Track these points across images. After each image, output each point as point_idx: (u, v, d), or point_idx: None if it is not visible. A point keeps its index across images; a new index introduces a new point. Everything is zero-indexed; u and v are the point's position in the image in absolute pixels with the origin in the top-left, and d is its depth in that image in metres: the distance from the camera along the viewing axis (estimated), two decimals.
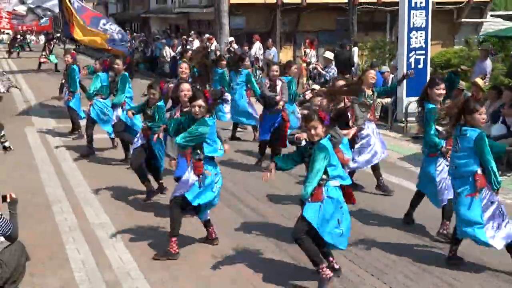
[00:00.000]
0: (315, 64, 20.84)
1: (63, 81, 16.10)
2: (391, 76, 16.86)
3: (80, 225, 9.16)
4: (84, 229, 9.02)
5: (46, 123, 17.66)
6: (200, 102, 7.45)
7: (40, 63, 31.96)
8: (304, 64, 21.44)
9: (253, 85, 14.26)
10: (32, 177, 11.78)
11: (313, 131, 6.69)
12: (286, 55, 28.98)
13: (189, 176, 7.69)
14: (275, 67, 12.55)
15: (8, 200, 6.78)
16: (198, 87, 9.12)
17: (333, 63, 19.69)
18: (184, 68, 11.42)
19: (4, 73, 6.77)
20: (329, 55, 20.00)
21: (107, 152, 13.86)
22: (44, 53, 31.46)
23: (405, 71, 14.26)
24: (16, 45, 43.09)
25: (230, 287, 7.11)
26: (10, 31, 48.58)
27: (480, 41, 20.55)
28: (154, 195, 10.23)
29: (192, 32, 28.88)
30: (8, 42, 45.18)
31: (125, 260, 7.84)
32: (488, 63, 16.87)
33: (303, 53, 22.75)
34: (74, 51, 16.91)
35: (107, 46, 19.52)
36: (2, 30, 51.39)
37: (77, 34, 19.93)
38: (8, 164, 12.31)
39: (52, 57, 30.83)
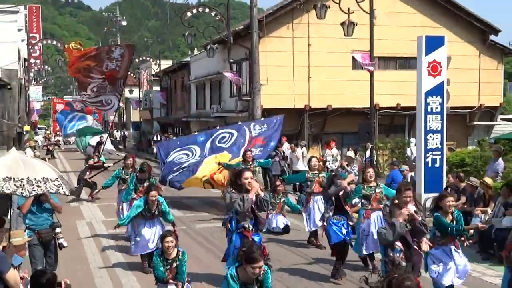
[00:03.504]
0: (341, 162, 21.05)
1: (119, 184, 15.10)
2: (410, 174, 16.91)
3: None
4: None
5: (95, 216, 17.96)
6: None
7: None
8: (321, 162, 21.77)
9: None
10: (82, 268, 11.92)
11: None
12: (313, 154, 29.16)
13: None
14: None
15: (63, 286, 6.88)
16: None
17: (355, 161, 20.04)
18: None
19: (62, 175, 6.97)
20: (352, 154, 20.45)
21: None
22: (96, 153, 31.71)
23: (422, 169, 14.41)
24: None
25: None
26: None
27: (492, 143, 20.58)
28: None
29: None
30: (46, 143, 45.87)
31: None
32: (501, 163, 16.87)
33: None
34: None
35: None
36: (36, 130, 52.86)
37: None
38: (60, 254, 12.46)
39: (102, 158, 31.34)
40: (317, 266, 11.84)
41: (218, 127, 21.21)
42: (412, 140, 24.70)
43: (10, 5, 32.99)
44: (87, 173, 21.98)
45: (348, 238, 10.76)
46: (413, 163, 17.65)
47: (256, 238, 8.89)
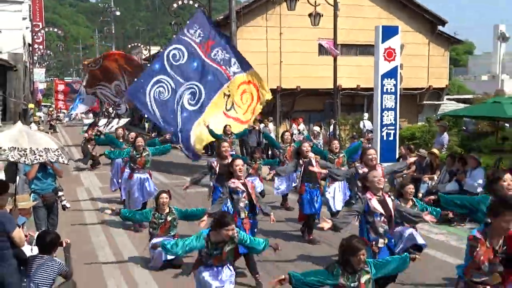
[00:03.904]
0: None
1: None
2: (368, 145, 16.96)
3: (119, 266, 9.20)
4: (122, 268, 9.05)
5: (93, 183, 17.86)
6: None
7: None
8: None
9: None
10: (81, 228, 11.88)
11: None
12: (283, 129, 29.14)
13: None
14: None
15: (64, 245, 6.87)
16: None
17: (321, 135, 20.14)
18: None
19: (63, 147, 6.90)
20: (317, 129, 20.56)
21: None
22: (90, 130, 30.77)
23: (378, 142, 14.48)
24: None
25: None
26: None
27: (438, 119, 20.71)
28: None
29: None
30: (49, 118, 45.21)
31: (149, 282, 7.89)
32: (446, 136, 17.02)
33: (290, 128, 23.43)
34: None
35: None
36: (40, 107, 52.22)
37: None
38: (62, 217, 12.41)
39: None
40: (286, 225, 11.91)
41: (161, 50, 19.50)
42: (365, 115, 24.90)
43: None
44: (89, 146, 21.46)
45: (318, 212, 10.56)
46: (366, 134, 17.79)
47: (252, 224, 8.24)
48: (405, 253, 6.07)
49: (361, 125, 23.94)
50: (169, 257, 8.74)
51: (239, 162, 8.23)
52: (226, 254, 6.36)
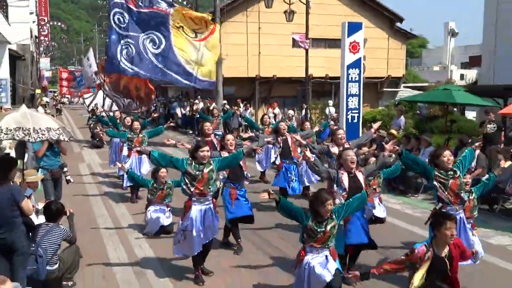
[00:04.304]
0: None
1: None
2: (335, 127, 16.94)
3: (117, 232, 9.15)
4: (120, 234, 9.01)
5: (93, 159, 17.69)
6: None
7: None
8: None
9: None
10: (83, 199, 11.78)
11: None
12: (262, 112, 29.08)
13: None
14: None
15: (68, 214, 6.82)
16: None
17: (294, 118, 20.13)
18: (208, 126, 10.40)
19: (64, 127, 6.82)
20: (292, 112, 20.54)
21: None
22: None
23: (344, 124, 14.48)
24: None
25: None
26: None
27: (396, 104, 20.80)
28: None
29: (199, 97, 29.02)
30: (54, 103, 44.50)
31: (147, 253, 7.86)
32: (402, 119, 17.12)
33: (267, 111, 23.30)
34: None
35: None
36: (46, 93, 51.43)
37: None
38: (66, 190, 12.27)
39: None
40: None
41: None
42: (330, 102, 24.96)
43: None
44: (98, 128, 20.84)
45: (292, 188, 10.45)
46: (332, 118, 17.84)
47: (241, 193, 8.08)
48: (363, 190, 6.11)
49: (327, 111, 24.06)
50: (165, 222, 8.89)
51: (229, 137, 8.25)
52: (207, 176, 6.50)
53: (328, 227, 5.44)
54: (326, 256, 5.49)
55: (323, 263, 5.44)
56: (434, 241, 5.12)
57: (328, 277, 5.29)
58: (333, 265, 5.44)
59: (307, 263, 5.45)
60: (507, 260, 7.67)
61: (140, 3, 16.59)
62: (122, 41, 16.66)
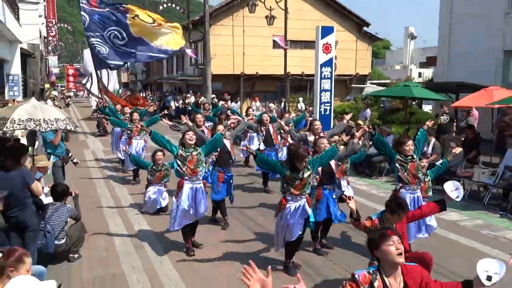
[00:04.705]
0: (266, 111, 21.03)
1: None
2: (310, 118, 16.94)
3: (118, 211, 9.07)
4: (120, 212, 8.93)
5: (97, 146, 17.49)
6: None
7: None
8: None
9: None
10: (87, 182, 11.65)
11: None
12: (246, 106, 29.03)
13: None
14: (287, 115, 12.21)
15: (73, 194, 6.73)
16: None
17: (274, 110, 20.09)
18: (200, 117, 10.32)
19: (70, 117, 6.72)
20: (272, 105, 20.50)
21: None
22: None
23: (318, 116, 14.47)
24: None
25: None
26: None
27: (363, 98, 20.86)
28: None
29: (191, 91, 28.81)
30: (62, 96, 43.79)
31: (145, 228, 7.80)
32: (368, 111, 17.17)
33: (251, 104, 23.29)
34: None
35: None
36: (55, 87, 50.61)
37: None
38: (72, 173, 12.12)
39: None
40: (248, 179, 11.89)
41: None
42: (300, 99, 25.11)
43: None
44: (104, 119, 20.53)
45: (270, 172, 10.19)
46: (308, 111, 17.84)
47: (227, 177, 8.12)
48: (334, 144, 6.35)
49: (299, 106, 24.31)
50: (163, 204, 8.86)
51: (220, 127, 8.21)
52: (196, 157, 6.52)
53: (305, 175, 5.67)
54: (304, 205, 5.72)
55: (300, 211, 5.71)
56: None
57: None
58: (308, 211, 5.76)
59: (288, 208, 5.69)
60: (456, 232, 7.78)
61: (98, 3, 16.36)
62: (93, 40, 16.41)
